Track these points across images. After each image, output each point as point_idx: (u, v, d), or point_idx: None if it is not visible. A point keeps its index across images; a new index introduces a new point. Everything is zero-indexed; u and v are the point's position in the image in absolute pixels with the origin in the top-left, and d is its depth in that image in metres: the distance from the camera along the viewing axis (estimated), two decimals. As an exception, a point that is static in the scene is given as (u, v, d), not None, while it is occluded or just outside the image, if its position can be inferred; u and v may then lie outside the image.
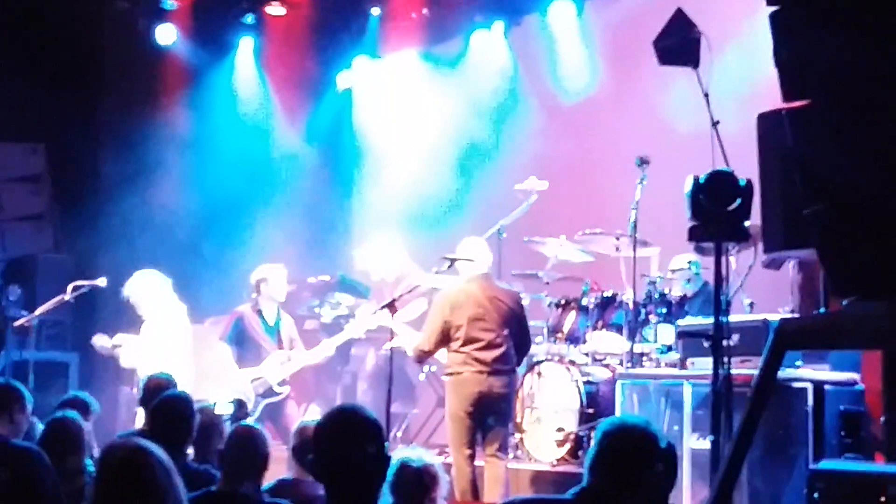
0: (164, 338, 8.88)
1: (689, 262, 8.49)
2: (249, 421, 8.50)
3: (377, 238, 10.24)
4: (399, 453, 4.93)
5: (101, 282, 9.60)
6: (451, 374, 7.63)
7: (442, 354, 7.85)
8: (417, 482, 4.94)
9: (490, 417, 7.51)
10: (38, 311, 9.83)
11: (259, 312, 9.06)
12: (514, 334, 7.67)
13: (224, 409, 6.85)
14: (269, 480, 5.56)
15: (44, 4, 12.04)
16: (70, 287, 9.49)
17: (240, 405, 6.62)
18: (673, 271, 8.56)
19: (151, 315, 8.97)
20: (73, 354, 11.71)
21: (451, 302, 7.61)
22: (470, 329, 7.52)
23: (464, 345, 7.53)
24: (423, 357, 8.00)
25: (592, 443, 3.95)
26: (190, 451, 5.88)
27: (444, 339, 7.61)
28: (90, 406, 6.75)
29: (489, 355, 7.51)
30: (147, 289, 8.98)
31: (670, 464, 3.85)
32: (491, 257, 7.88)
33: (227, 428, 6.14)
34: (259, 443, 5.08)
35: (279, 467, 5.62)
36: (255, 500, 4.77)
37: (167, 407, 5.49)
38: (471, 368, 7.49)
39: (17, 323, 9.98)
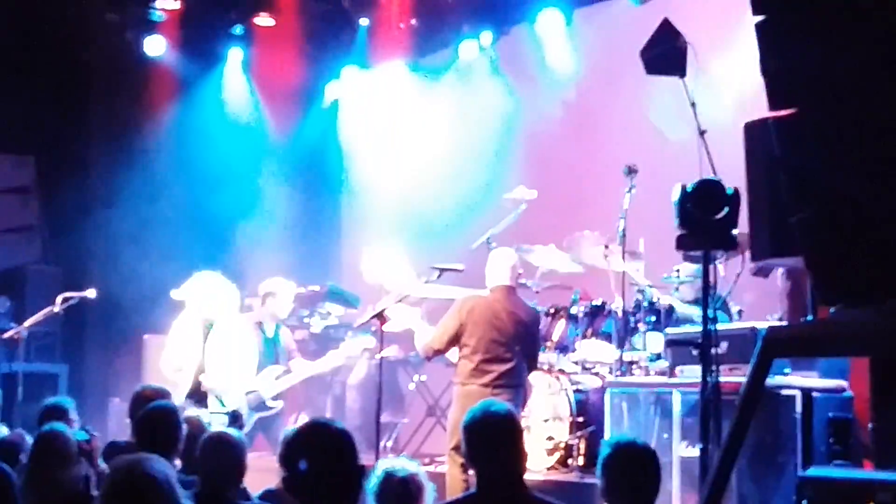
0: (234, 344, 8.38)
1: None
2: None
3: (382, 245, 10.20)
4: (383, 464, 4.92)
5: (91, 293, 9.57)
6: (458, 383, 7.69)
7: (453, 354, 7.89)
8: (403, 491, 4.93)
9: None
10: (27, 323, 9.80)
11: (259, 325, 8.98)
12: (524, 350, 7.72)
13: (219, 422, 6.78)
14: (257, 490, 5.57)
15: (33, 17, 12.01)
16: (59, 299, 9.47)
17: (234, 417, 6.54)
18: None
19: (218, 320, 8.36)
20: (62, 366, 11.67)
21: (469, 307, 7.68)
22: (482, 340, 7.59)
23: (473, 354, 7.59)
24: (432, 355, 8.00)
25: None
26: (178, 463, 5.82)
27: (456, 341, 7.70)
28: (67, 409, 6.52)
29: (498, 369, 7.57)
30: (215, 292, 8.39)
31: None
32: (517, 270, 7.88)
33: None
34: (233, 448, 5.02)
35: (270, 477, 5.60)
36: None
37: (153, 418, 5.43)
38: (478, 381, 7.55)
39: (6, 335, 9.94)
